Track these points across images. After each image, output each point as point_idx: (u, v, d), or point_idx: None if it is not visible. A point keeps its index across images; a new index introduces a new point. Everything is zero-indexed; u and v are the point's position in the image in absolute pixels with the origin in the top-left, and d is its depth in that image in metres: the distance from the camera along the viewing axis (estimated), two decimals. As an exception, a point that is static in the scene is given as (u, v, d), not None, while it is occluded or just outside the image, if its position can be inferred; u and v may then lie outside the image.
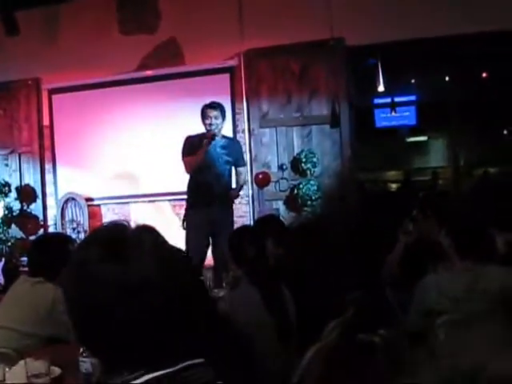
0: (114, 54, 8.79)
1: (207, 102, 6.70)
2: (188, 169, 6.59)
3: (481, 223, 3.52)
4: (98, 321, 1.32)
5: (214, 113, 6.51)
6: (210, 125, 6.51)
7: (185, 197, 7.03)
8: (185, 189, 6.95)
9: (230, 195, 6.78)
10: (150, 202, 8.89)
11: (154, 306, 1.29)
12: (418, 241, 4.55)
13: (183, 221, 6.78)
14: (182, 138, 6.78)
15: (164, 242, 1.42)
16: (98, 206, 9.22)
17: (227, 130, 7.63)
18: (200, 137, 6.57)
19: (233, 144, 6.95)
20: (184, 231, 6.67)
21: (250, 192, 8.45)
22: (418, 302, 3.46)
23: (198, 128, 6.72)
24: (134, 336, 1.30)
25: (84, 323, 1.36)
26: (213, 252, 6.44)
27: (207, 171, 6.56)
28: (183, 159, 6.59)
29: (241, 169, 6.92)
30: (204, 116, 6.58)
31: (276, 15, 8.08)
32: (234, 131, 8.54)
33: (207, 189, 6.54)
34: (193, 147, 6.52)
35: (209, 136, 6.44)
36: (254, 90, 8.52)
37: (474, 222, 3.50)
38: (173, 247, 1.43)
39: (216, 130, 6.50)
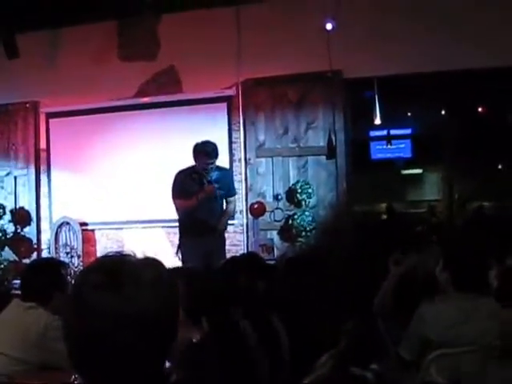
0: (113, 80, 8.78)
1: (203, 133, 6.87)
2: (180, 211, 6.68)
3: (477, 256, 3.54)
4: (93, 348, 1.31)
5: (208, 160, 6.56)
6: (206, 169, 6.58)
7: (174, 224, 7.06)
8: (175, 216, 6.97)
9: (217, 226, 6.76)
10: (143, 227, 8.86)
11: (147, 337, 1.30)
12: (412, 272, 4.51)
13: (177, 249, 6.82)
14: (176, 166, 6.83)
15: (165, 276, 1.43)
16: (92, 230, 9.17)
17: (223, 159, 7.64)
18: (192, 174, 6.60)
19: (225, 175, 6.97)
20: (178, 258, 6.72)
21: (245, 221, 8.41)
22: (413, 329, 3.46)
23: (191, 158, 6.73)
24: (127, 365, 1.31)
25: (80, 350, 1.35)
26: None
27: (203, 206, 6.61)
28: (174, 200, 6.64)
29: (231, 198, 6.97)
30: (199, 158, 6.60)
31: (274, 46, 8.07)
32: (231, 160, 8.53)
33: (203, 221, 6.58)
34: (185, 188, 6.57)
35: (209, 191, 6.52)
36: (251, 119, 8.52)
37: (471, 256, 3.51)
38: (173, 283, 1.44)
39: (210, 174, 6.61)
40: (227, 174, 7.11)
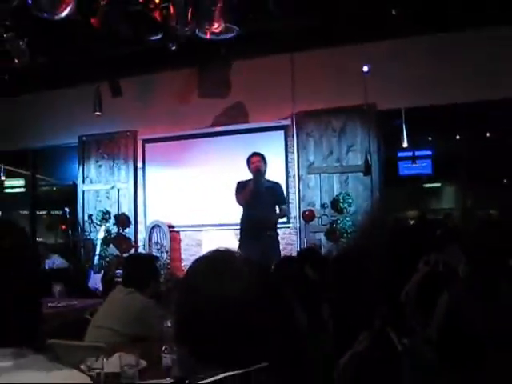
0: (194, 113, 8.81)
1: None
2: (241, 200, 6.47)
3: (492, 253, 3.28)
4: (197, 323, 1.30)
5: (256, 158, 6.49)
6: (254, 166, 6.52)
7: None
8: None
9: (272, 219, 6.61)
10: (218, 230, 8.74)
11: (244, 320, 1.28)
12: (435, 268, 4.40)
13: (238, 248, 6.48)
14: (236, 179, 6.80)
15: (258, 271, 1.39)
16: (178, 232, 9.11)
17: (281, 175, 7.87)
18: (248, 181, 6.56)
19: (275, 186, 6.83)
20: None
21: (298, 225, 8.31)
22: (437, 314, 3.29)
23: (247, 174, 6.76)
24: (221, 340, 1.28)
25: (186, 324, 1.32)
26: None
27: (256, 208, 6.43)
28: (236, 196, 6.54)
29: (282, 206, 6.81)
30: (249, 162, 6.56)
31: (321, 85, 8.04)
32: (287, 177, 8.46)
33: (258, 222, 6.39)
34: (243, 188, 6.51)
35: (254, 168, 6.41)
36: (303, 143, 8.48)
37: (490, 251, 3.26)
38: (264, 278, 1.39)
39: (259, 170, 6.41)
40: (277, 185, 6.91)
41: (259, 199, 6.43)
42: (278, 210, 6.80)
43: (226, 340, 1.25)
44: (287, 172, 8.48)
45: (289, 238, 8.21)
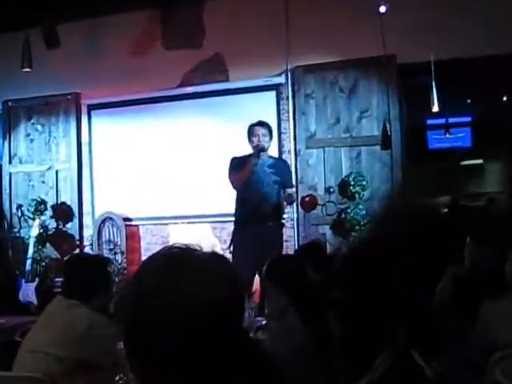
0: (156, 70, 8.76)
1: (252, 121, 6.72)
2: (236, 184, 6.58)
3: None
4: (149, 335, 1.33)
5: (262, 130, 6.54)
6: (258, 142, 6.53)
7: (226, 219, 7.17)
8: (226, 210, 7.00)
9: (276, 205, 6.69)
10: (189, 223, 8.81)
11: (210, 335, 1.32)
12: (471, 271, 4.36)
13: (230, 243, 6.73)
14: (224, 158, 6.78)
15: (230, 272, 1.45)
16: (137, 226, 9.17)
17: (272, 150, 7.57)
18: (246, 157, 6.59)
19: (281, 164, 6.91)
20: (230, 254, 6.64)
21: (296, 216, 8.35)
22: (478, 330, 3.34)
23: (241, 147, 6.76)
24: (180, 358, 1.32)
25: (136, 337, 1.37)
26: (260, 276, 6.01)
27: (255, 190, 6.53)
28: (230, 177, 6.60)
29: (289, 190, 6.78)
30: (251, 134, 6.59)
31: (325, 31, 8.01)
32: (280, 152, 8.45)
33: (255, 208, 6.48)
34: (240, 165, 6.56)
35: (257, 146, 6.47)
36: (300, 108, 8.50)
37: None
38: (236, 280, 1.45)
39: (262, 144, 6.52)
40: (283, 163, 7.05)
41: (260, 181, 6.60)
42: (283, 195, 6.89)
43: (189, 362, 1.30)
44: (280, 146, 8.51)
45: (284, 233, 7.30)
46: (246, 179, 6.49)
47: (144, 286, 1.38)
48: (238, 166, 6.56)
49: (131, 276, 1.46)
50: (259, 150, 6.49)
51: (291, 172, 7.15)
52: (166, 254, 1.44)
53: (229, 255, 6.59)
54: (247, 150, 6.68)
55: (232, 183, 6.60)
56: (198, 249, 1.45)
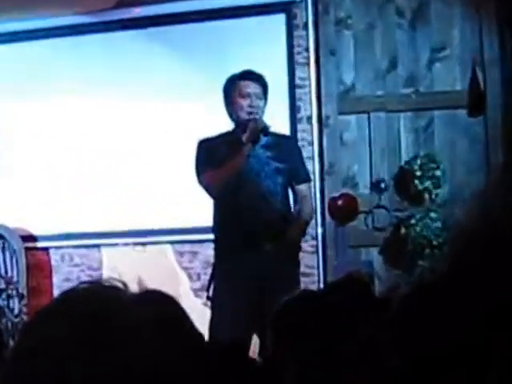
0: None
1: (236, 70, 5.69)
2: (213, 190, 5.44)
3: None
4: None
5: (253, 87, 5.45)
6: (250, 108, 5.37)
7: (201, 237, 6.25)
8: (200, 223, 6.08)
9: (288, 233, 5.38)
10: (136, 245, 7.02)
11: None
12: None
13: (209, 281, 5.54)
14: (195, 137, 5.67)
15: (182, 321, 1.14)
16: (46, 250, 7.34)
17: (279, 116, 6.23)
18: (226, 139, 5.53)
19: (285, 142, 5.70)
20: (201, 300, 6.19)
21: (321, 231, 6.71)
22: None
23: (219, 117, 5.67)
24: None
25: None
26: (260, 336, 5.14)
27: (246, 189, 5.38)
28: (200, 177, 5.47)
29: (303, 187, 5.57)
30: (234, 94, 5.46)
31: None
32: (292, 120, 6.71)
33: (249, 219, 5.31)
34: (216, 156, 5.43)
35: (252, 128, 5.26)
36: (329, 45, 6.70)
37: None
38: (194, 333, 1.16)
39: (258, 117, 5.36)
40: (287, 142, 5.80)
41: (253, 173, 5.49)
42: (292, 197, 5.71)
43: None
44: (293, 109, 6.80)
45: (301, 262, 6.18)
46: (230, 179, 5.43)
47: (31, 368, 1.06)
48: (212, 158, 5.45)
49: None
50: (255, 130, 5.30)
51: (302, 156, 5.86)
52: (67, 300, 1.13)
53: (201, 302, 6.18)
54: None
55: (206, 187, 5.48)
56: (122, 287, 1.12)
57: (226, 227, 5.47)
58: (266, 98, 5.45)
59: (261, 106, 5.37)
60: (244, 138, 5.27)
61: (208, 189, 5.42)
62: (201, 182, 5.46)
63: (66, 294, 1.12)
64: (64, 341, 1.03)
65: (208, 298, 5.51)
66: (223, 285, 5.41)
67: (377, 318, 2.71)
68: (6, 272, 7.23)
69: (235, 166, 5.31)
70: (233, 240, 5.37)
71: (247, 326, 5.17)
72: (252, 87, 5.37)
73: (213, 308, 5.33)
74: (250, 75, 5.45)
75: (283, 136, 5.93)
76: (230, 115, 5.41)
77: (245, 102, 5.32)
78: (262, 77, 5.48)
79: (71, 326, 1.04)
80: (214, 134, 5.48)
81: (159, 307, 1.10)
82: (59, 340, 1.04)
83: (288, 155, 5.54)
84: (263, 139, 5.39)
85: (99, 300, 1.09)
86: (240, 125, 5.34)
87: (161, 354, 1.06)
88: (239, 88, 5.36)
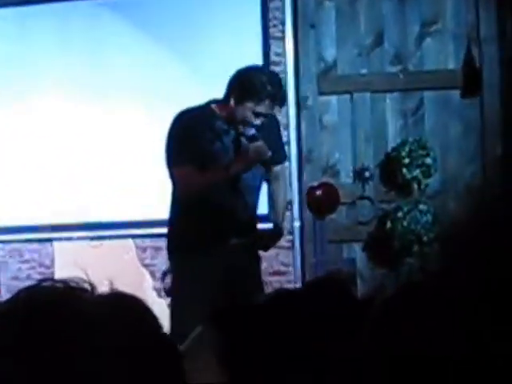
0: None
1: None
2: (186, 193, 5.10)
3: None
4: None
5: (265, 111, 5.02)
6: (248, 121, 5.00)
7: (164, 230, 5.49)
8: (164, 215, 5.45)
9: (255, 232, 5.26)
10: (92, 239, 6.67)
11: None
12: None
13: (163, 276, 6.09)
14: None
15: (147, 326, 1.08)
16: None
17: None
18: (215, 122, 5.10)
19: (268, 124, 5.26)
20: (166, 300, 5.83)
21: (297, 224, 6.41)
22: None
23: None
24: None
25: None
26: None
27: (224, 184, 5.12)
28: (174, 169, 5.07)
29: (279, 169, 5.42)
30: (242, 99, 5.01)
31: None
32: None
33: (223, 216, 5.06)
34: (202, 147, 5.05)
35: (254, 154, 5.00)
36: (308, 18, 6.41)
37: None
38: (164, 338, 1.11)
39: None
40: (269, 120, 5.25)
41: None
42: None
43: None
44: None
45: (275, 259, 6.43)
46: (208, 189, 5.08)
47: None
48: (194, 149, 5.01)
49: None
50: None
51: (281, 135, 5.66)
52: (26, 300, 1.07)
53: (165, 302, 5.75)
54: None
55: (178, 186, 5.11)
56: (85, 286, 1.06)
57: (190, 218, 5.10)
58: (279, 103, 5.16)
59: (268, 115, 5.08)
60: (240, 160, 4.95)
61: (181, 189, 5.09)
62: (172, 175, 5.08)
63: (33, 293, 1.08)
64: (7, 352, 1.00)
65: (167, 293, 5.43)
66: (182, 284, 5.19)
67: (357, 322, 2.38)
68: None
69: (218, 177, 4.97)
70: (197, 233, 5.04)
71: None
72: (276, 109, 5.17)
73: (173, 303, 5.15)
74: (282, 92, 5.20)
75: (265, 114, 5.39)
76: (232, 102, 5.04)
77: (262, 109, 5.00)
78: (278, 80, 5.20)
79: (17, 335, 1.00)
80: (194, 107, 5.02)
81: (123, 309, 1.05)
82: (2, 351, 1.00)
83: (269, 136, 5.19)
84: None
85: (51, 299, 1.04)
86: (236, 117, 5.00)
87: (115, 360, 1.00)
88: (265, 95, 5.01)
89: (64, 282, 1.05)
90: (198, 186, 4.99)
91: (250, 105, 4.93)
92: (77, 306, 1.02)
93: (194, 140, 5.03)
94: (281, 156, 5.33)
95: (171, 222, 5.22)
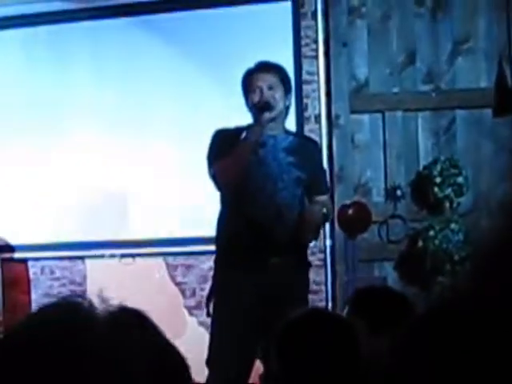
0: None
1: (247, 62, 5.48)
2: (222, 178, 5.20)
3: None
4: None
5: (266, 79, 5.25)
6: (261, 99, 5.13)
7: (198, 248, 6.11)
8: (196, 233, 6.08)
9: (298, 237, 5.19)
10: (124, 257, 6.71)
11: None
12: None
13: (208, 298, 5.31)
14: (195, 134, 6.02)
15: (159, 350, 1.07)
16: (24, 261, 7.07)
17: (289, 119, 5.85)
18: (243, 130, 5.26)
19: (308, 147, 5.43)
20: (197, 318, 6.28)
21: (329, 243, 6.52)
22: None
23: (227, 117, 5.74)
24: None
25: None
26: (265, 359, 4.50)
27: (261, 198, 5.15)
28: (212, 167, 5.21)
29: (323, 198, 5.33)
30: (248, 87, 5.26)
31: None
32: (299, 119, 6.55)
33: (262, 233, 5.03)
34: (230, 144, 5.14)
35: (258, 106, 5.10)
36: (341, 36, 6.57)
37: None
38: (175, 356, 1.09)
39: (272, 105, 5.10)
40: (313, 146, 5.48)
41: (270, 177, 5.22)
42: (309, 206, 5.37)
43: None
44: (300, 107, 6.63)
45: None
46: (242, 172, 5.14)
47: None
48: (224, 147, 5.16)
49: None
50: (261, 108, 5.04)
51: (323, 167, 5.75)
52: (44, 316, 1.10)
53: (196, 321, 6.21)
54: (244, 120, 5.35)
55: (214, 178, 5.21)
56: (98, 305, 1.06)
57: (233, 239, 5.18)
58: (286, 87, 5.24)
59: (276, 97, 5.15)
60: (259, 116, 5.11)
61: (215, 178, 5.24)
62: (210, 173, 5.25)
63: (35, 313, 1.12)
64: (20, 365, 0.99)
65: (208, 314, 5.25)
66: (222, 303, 5.15)
67: (388, 338, 2.28)
68: (-24, 285, 7.24)
69: (241, 155, 5.11)
70: (240, 253, 5.09)
71: (250, 348, 4.92)
72: (263, 79, 5.22)
73: (212, 327, 5.11)
74: (261, 65, 5.29)
75: (306, 138, 5.75)
76: (250, 109, 5.22)
77: (255, 97, 5.15)
78: (276, 66, 5.30)
79: (28, 354, 1.01)
80: (231, 126, 5.30)
81: (136, 330, 1.05)
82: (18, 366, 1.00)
83: (310, 162, 5.29)
84: (283, 139, 5.23)
85: (65, 321, 1.04)
86: (253, 117, 5.22)
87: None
88: (250, 82, 5.23)
89: (83, 297, 1.06)
90: (233, 172, 5.12)
91: (251, 93, 5.12)
92: (89, 324, 1.03)
93: (221, 141, 5.22)
94: (322, 187, 5.39)
95: (217, 246, 5.36)
